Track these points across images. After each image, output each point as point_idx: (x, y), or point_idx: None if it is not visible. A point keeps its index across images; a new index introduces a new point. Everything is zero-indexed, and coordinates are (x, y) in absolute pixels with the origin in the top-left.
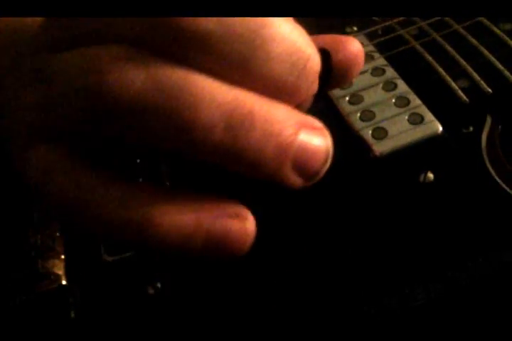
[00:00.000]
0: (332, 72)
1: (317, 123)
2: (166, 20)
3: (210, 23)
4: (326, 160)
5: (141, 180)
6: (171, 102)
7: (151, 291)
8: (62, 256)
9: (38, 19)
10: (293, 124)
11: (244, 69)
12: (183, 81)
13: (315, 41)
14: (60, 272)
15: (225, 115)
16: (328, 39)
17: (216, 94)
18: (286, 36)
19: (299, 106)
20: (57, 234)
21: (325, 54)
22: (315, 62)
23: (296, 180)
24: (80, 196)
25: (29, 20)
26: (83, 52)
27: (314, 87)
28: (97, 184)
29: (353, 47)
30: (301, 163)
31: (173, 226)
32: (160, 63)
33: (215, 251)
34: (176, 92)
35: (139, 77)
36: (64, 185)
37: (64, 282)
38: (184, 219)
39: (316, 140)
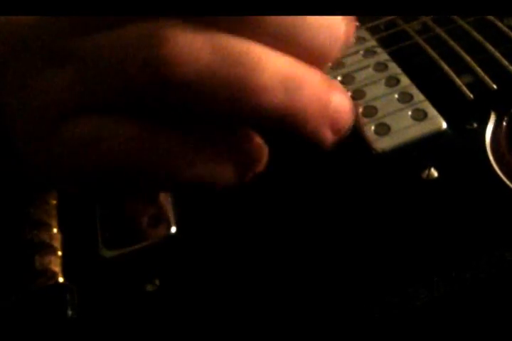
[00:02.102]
0: None
1: (339, 84)
2: None
3: None
4: (351, 116)
5: None
6: (234, 69)
7: (149, 288)
8: (60, 253)
9: None
10: (328, 86)
11: (292, 39)
12: (245, 49)
13: None
14: (57, 269)
15: (282, 79)
16: None
17: (274, 61)
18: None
19: None
20: (55, 230)
21: None
22: (343, 27)
23: (328, 135)
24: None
25: None
26: (136, 26)
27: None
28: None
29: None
30: (335, 119)
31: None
32: (220, 33)
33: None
34: (237, 59)
35: (204, 46)
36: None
37: (61, 279)
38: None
39: (344, 99)
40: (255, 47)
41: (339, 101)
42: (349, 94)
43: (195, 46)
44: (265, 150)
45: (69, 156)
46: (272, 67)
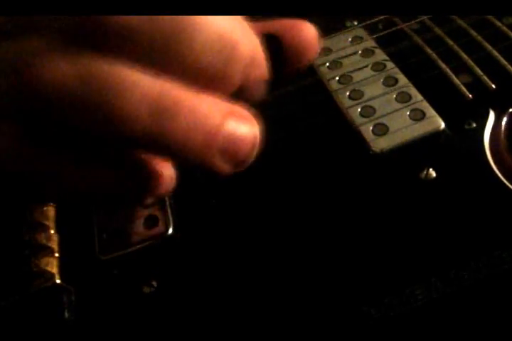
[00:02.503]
0: (283, 57)
1: (244, 112)
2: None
3: (134, 18)
4: (253, 148)
5: None
6: (97, 94)
7: (146, 290)
8: (57, 255)
9: None
10: (219, 113)
11: (169, 59)
12: (107, 73)
13: (267, 26)
14: (54, 270)
15: (149, 106)
16: (282, 24)
17: (140, 86)
18: (210, 24)
19: (250, 94)
20: (52, 232)
21: (273, 39)
22: (244, 47)
23: (224, 167)
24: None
25: None
26: (12, 43)
27: (250, 71)
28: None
29: (308, 33)
30: (228, 150)
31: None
32: (86, 56)
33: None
34: (101, 84)
35: (69, 71)
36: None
37: (58, 280)
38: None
39: (242, 128)
40: (121, 70)
41: (234, 129)
42: (255, 125)
43: (60, 71)
44: (161, 176)
45: None
46: (139, 93)
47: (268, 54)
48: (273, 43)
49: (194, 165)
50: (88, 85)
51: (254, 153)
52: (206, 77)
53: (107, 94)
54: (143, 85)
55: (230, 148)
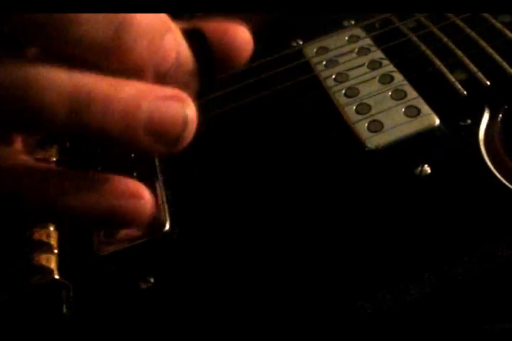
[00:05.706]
0: (213, 55)
1: (169, 91)
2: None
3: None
4: (184, 126)
5: None
6: (19, 93)
7: (143, 286)
8: (56, 251)
9: None
10: (136, 95)
11: (63, 43)
12: (27, 74)
13: (198, 26)
14: (53, 266)
15: (65, 100)
16: (216, 26)
17: (56, 83)
18: None
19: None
20: (52, 228)
21: (198, 35)
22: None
23: (155, 147)
24: None
25: None
26: None
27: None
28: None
29: (240, 37)
30: (154, 129)
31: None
32: (6, 62)
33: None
34: (22, 84)
35: None
36: None
37: (57, 276)
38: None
39: (168, 107)
40: (38, 70)
41: (157, 108)
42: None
43: None
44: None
45: None
46: (56, 90)
47: (194, 49)
48: (200, 42)
49: (125, 147)
50: (13, 90)
51: (188, 131)
52: (100, 51)
53: (28, 93)
54: (58, 82)
55: (155, 128)
